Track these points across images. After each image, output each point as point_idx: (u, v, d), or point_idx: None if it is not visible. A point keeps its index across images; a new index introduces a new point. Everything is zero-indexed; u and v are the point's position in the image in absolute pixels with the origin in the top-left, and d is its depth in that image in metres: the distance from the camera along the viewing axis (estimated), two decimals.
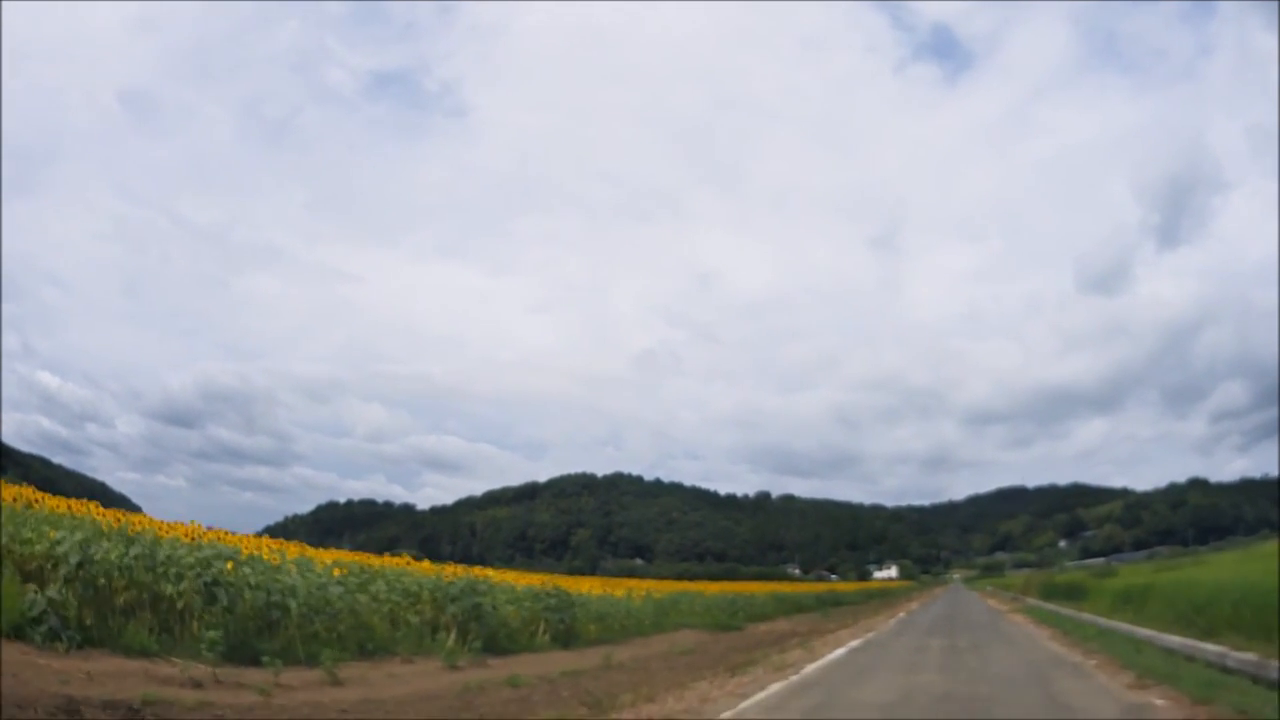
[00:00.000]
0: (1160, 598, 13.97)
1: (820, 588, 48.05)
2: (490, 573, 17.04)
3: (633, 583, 27.97)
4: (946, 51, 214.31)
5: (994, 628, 19.47)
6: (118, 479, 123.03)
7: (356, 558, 14.86)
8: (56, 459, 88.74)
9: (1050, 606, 22.95)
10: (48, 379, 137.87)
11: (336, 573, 11.29)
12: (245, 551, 9.97)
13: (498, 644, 12.70)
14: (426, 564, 15.51)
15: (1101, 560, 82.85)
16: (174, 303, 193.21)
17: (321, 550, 13.71)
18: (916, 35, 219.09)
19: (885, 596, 53.50)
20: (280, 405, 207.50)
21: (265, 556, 10.21)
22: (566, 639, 14.86)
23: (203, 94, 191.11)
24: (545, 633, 14.66)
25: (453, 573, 14.18)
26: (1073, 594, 24.05)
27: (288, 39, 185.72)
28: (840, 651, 13.56)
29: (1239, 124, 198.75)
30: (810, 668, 11.36)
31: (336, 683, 8.56)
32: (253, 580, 9.38)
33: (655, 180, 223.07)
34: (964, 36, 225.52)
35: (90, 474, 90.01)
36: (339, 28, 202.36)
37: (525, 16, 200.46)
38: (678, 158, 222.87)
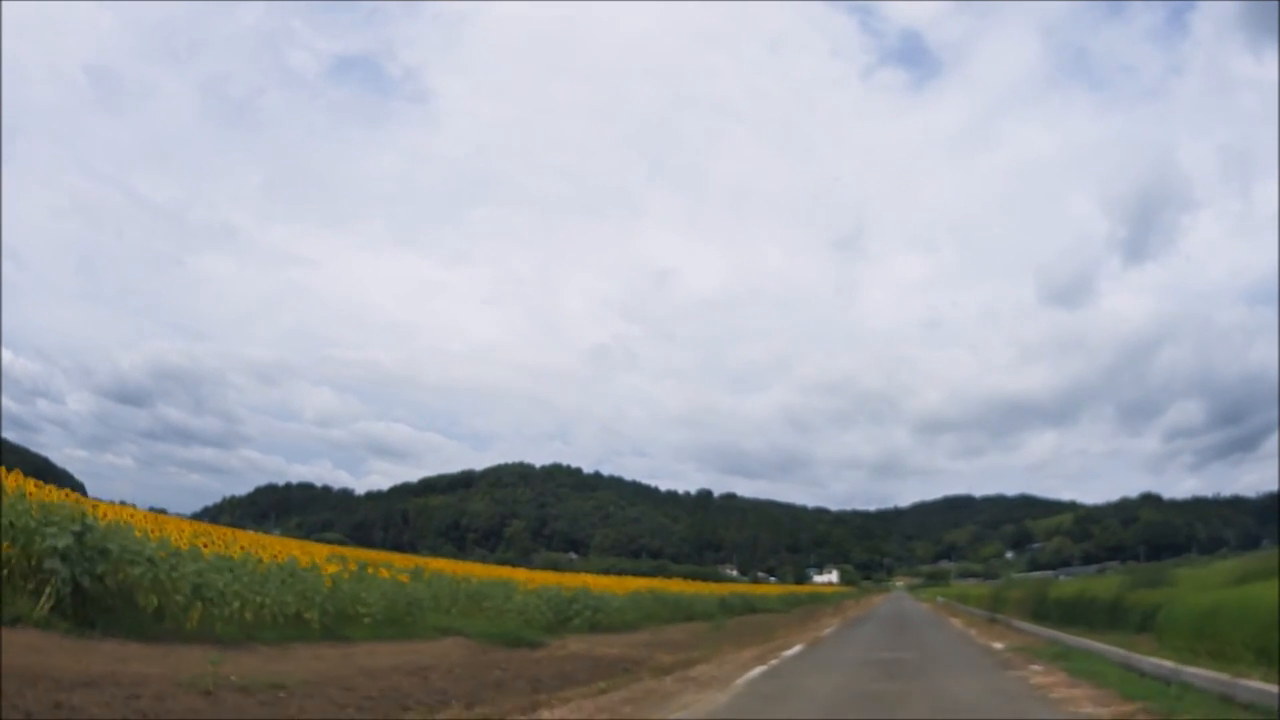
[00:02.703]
0: None
1: (725, 590, 40.44)
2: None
3: (420, 560, 20.06)
4: (915, 58, 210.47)
5: None
6: (66, 456, 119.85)
7: None
8: (4, 433, 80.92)
9: (1101, 648, 10.72)
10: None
11: None
12: None
13: None
14: None
15: (1050, 573, 77.74)
16: (128, 280, 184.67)
17: None
18: (885, 41, 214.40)
19: (812, 604, 46.30)
20: (229, 387, 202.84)
21: None
22: (92, 616, 8.22)
23: (165, 71, 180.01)
24: (49, 598, 8.00)
25: None
26: (1073, 616, 14.32)
27: (252, 19, 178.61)
28: None
29: (1210, 143, 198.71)
30: None
31: None
32: None
33: (612, 176, 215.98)
34: (933, 44, 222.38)
35: (38, 450, 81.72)
36: (304, 9, 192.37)
37: (491, 7, 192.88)
38: (636, 155, 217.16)
